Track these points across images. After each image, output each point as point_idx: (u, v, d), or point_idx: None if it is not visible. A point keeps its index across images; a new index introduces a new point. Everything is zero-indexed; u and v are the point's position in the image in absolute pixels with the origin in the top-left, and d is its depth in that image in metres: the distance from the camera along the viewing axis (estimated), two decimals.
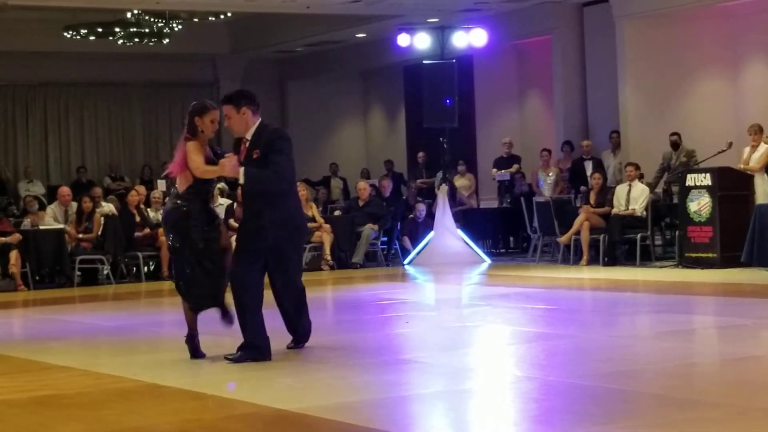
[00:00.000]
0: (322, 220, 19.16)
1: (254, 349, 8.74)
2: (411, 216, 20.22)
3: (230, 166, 8.68)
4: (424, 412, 7.09)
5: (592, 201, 17.93)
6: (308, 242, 18.83)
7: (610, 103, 20.16)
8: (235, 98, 8.90)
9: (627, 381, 7.62)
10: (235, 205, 18.61)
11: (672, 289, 13.90)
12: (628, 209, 17.41)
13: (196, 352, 9.02)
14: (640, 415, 6.58)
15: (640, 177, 17.79)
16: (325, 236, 18.83)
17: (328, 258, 18.78)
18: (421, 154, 22.91)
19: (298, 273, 9.32)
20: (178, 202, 8.88)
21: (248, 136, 8.85)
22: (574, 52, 21.13)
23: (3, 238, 17.16)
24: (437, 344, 9.94)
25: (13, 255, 16.97)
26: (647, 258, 17.35)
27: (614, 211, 17.51)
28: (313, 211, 19.26)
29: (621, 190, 17.71)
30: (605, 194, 17.88)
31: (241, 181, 8.73)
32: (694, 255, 16.18)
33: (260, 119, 8.94)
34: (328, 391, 7.70)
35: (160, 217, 18.82)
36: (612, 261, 17.29)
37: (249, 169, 8.69)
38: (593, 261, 17.54)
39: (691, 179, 16.27)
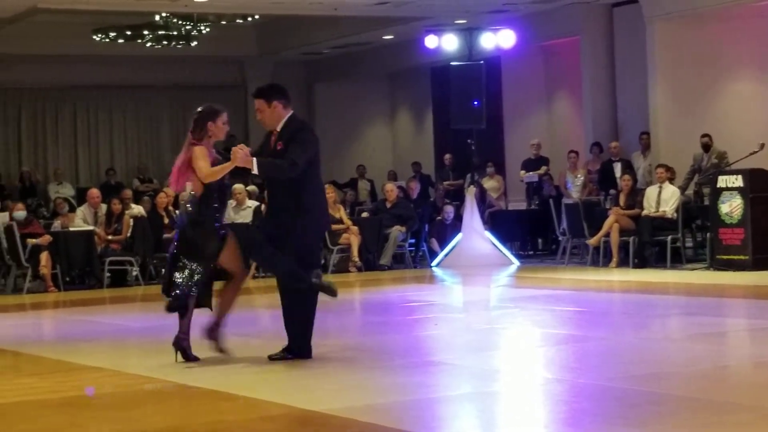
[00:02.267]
0: (349, 222, 19.16)
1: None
2: (438, 218, 20.19)
3: (241, 155, 8.64)
4: (453, 413, 7.07)
5: (621, 203, 17.84)
6: (336, 244, 18.86)
7: (640, 104, 20.07)
8: (267, 92, 8.97)
9: (658, 383, 7.58)
10: (262, 206, 18.65)
11: (703, 292, 13.83)
12: (658, 211, 17.32)
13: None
14: (672, 418, 6.54)
15: (671, 179, 17.70)
16: (352, 238, 18.82)
17: (356, 260, 18.77)
18: (447, 155, 22.88)
19: None
20: (189, 208, 8.89)
21: (278, 129, 8.88)
22: (603, 53, 21.04)
23: (33, 240, 17.23)
24: (466, 346, 9.92)
25: (44, 257, 17.04)
26: (678, 260, 17.26)
27: (644, 212, 17.42)
28: (340, 212, 19.26)
29: (651, 192, 17.62)
30: (635, 196, 17.80)
31: (255, 171, 8.71)
32: (725, 257, 16.08)
33: (291, 112, 8.99)
34: (356, 392, 7.69)
35: None
36: (642, 263, 17.20)
37: (261, 159, 8.70)
38: (623, 263, 17.46)
39: (722, 181, 16.17)
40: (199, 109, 9.06)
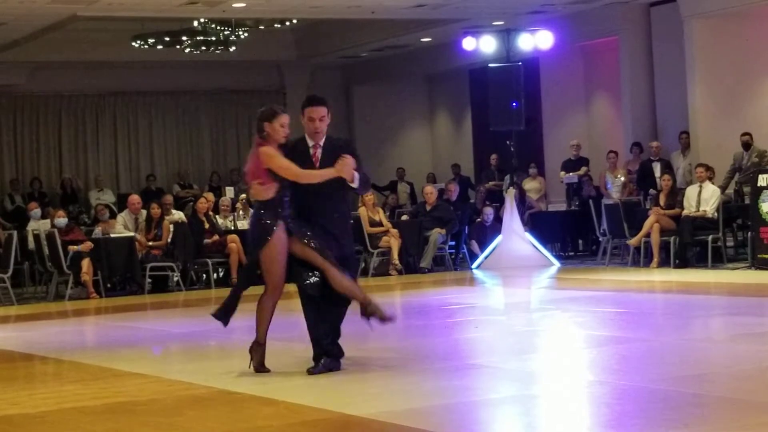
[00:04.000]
0: (389, 225, 19.16)
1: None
2: (478, 220, 20.16)
3: (350, 167, 8.50)
4: (495, 417, 7.06)
5: (661, 203, 17.75)
6: (376, 247, 18.87)
7: (679, 103, 19.97)
8: (327, 102, 8.84)
9: (701, 384, 7.53)
10: None
11: (745, 291, 13.74)
12: (699, 211, 17.22)
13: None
14: (715, 420, 6.50)
15: (711, 178, 17.59)
16: (392, 241, 18.83)
17: (396, 263, 18.77)
18: (494, 155, 22.81)
19: None
20: (262, 212, 8.73)
21: (321, 143, 8.74)
22: (642, 53, 20.94)
23: (75, 247, 17.34)
24: (507, 349, 9.90)
25: (85, 263, 17.14)
26: (719, 260, 17.16)
27: (685, 212, 17.33)
28: (380, 215, 19.28)
29: (691, 192, 17.52)
30: (675, 196, 17.71)
31: (355, 184, 8.60)
32: (766, 256, 15.96)
33: None
34: (398, 396, 7.69)
35: (228, 224, 19.03)
36: (683, 263, 17.10)
37: (360, 173, 8.58)
38: (664, 263, 17.37)
39: (763, 179, 16.05)
40: (260, 110, 8.92)
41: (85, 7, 18.41)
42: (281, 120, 8.68)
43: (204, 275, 18.62)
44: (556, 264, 18.93)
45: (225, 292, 17.26)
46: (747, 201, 17.20)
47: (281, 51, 25.48)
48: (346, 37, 23.97)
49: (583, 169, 21.16)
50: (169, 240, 18.04)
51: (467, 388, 7.88)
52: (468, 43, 19.63)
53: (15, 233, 17.69)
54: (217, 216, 18.97)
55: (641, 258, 17.77)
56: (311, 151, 8.71)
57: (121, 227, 18.35)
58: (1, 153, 24.95)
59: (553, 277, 17.48)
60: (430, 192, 20.13)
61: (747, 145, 18.30)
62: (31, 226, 18.86)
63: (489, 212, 20.00)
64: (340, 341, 8.74)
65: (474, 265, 19.17)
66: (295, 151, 8.69)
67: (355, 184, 8.59)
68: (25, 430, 7.25)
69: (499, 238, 19.06)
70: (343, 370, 8.63)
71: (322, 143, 8.72)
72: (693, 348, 9.41)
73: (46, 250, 17.52)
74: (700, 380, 7.68)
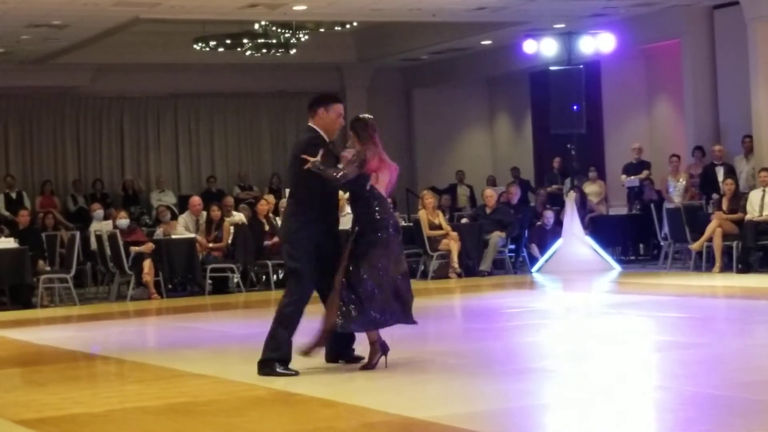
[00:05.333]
0: (449, 228, 19.13)
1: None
2: (539, 223, 20.08)
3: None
4: (556, 421, 7.02)
5: (724, 207, 17.59)
6: (436, 250, 18.85)
7: (743, 107, 19.75)
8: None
9: (765, 391, 7.46)
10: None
11: None
12: (762, 215, 17.05)
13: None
14: None
15: None
16: (452, 244, 18.80)
17: (456, 266, 18.74)
18: (557, 159, 22.68)
19: None
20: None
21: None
22: (705, 56, 20.75)
23: (136, 248, 17.49)
24: (567, 353, 9.84)
25: (147, 264, 17.28)
26: None
27: (748, 217, 17.16)
28: (439, 218, 19.25)
29: (755, 196, 17.35)
30: (738, 200, 17.54)
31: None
32: None
33: None
34: (458, 399, 7.67)
35: None
36: (746, 268, 16.94)
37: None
38: (726, 268, 17.21)
39: None
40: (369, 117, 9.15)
41: (148, 9, 18.55)
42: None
43: (264, 277, 18.70)
44: (617, 268, 18.82)
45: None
46: None
47: (342, 53, 25.52)
48: (407, 39, 23.97)
49: (645, 173, 21.02)
50: (229, 241, 18.14)
51: (528, 392, 7.84)
52: (529, 46, 19.57)
53: (78, 234, 17.88)
54: (277, 218, 19.04)
55: (703, 263, 17.62)
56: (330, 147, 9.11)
57: (182, 228, 18.46)
58: (65, 154, 25.19)
59: (613, 282, 17.37)
60: (490, 195, 20.09)
61: None
62: (94, 226, 19.04)
63: (549, 215, 19.92)
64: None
65: (534, 269, 19.09)
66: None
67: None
68: (90, 429, 7.31)
69: (559, 242, 18.98)
70: (404, 371, 8.61)
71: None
72: (756, 354, 9.32)
73: (108, 251, 17.68)
74: (765, 386, 7.60)
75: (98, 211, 19.58)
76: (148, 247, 17.50)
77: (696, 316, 12.39)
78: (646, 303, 13.78)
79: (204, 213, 18.57)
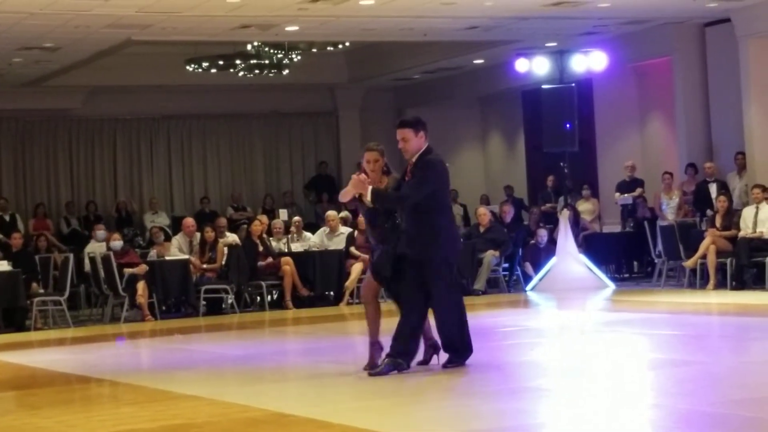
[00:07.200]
0: None
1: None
2: (532, 241, 20.08)
3: (355, 180, 9.43)
4: None
5: (717, 224, 17.61)
6: None
7: (735, 124, 19.79)
8: (414, 123, 9.78)
9: (760, 408, 7.44)
10: (356, 233, 18.71)
11: None
12: (755, 232, 17.06)
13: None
14: None
15: None
16: None
17: None
18: (550, 177, 22.67)
19: None
20: None
21: (414, 160, 9.53)
22: (697, 73, 20.79)
23: (130, 270, 17.46)
24: (562, 371, 9.83)
25: (140, 286, 17.25)
26: None
27: (741, 234, 17.18)
28: None
29: (748, 213, 17.37)
30: (731, 217, 17.56)
31: (368, 198, 9.36)
32: None
33: (427, 145, 9.71)
34: (453, 419, 7.65)
35: (282, 247, 19.08)
36: (740, 285, 16.94)
37: (375, 188, 9.36)
38: (720, 285, 17.21)
39: None
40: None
41: (139, 31, 18.57)
42: (365, 156, 9.82)
43: (258, 297, 18.67)
44: (611, 286, 18.81)
45: (279, 314, 17.42)
46: None
47: (334, 74, 25.54)
48: (399, 59, 24.00)
49: (638, 191, 21.03)
50: (223, 262, 18.12)
51: (524, 411, 7.83)
52: (521, 65, 19.60)
53: (71, 256, 17.84)
54: (270, 239, 19.03)
55: (697, 280, 17.63)
56: (408, 168, 9.60)
57: (175, 250, 18.44)
58: (57, 176, 25.17)
59: (608, 299, 17.36)
60: (484, 213, 20.07)
61: None
62: (93, 247, 18.94)
63: (543, 234, 19.92)
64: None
65: (528, 287, 19.09)
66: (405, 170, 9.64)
67: (367, 198, 9.37)
68: None
69: (553, 260, 18.97)
70: (399, 392, 8.60)
71: (414, 161, 9.54)
72: (751, 371, 9.30)
73: (101, 273, 17.65)
74: (761, 404, 7.58)
75: (100, 232, 19.45)
76: (142, 268, 17.47)
77: (690, 334, 12.38)
78: (641, 321, 13.77)
79: (198, 234, 18.55)
